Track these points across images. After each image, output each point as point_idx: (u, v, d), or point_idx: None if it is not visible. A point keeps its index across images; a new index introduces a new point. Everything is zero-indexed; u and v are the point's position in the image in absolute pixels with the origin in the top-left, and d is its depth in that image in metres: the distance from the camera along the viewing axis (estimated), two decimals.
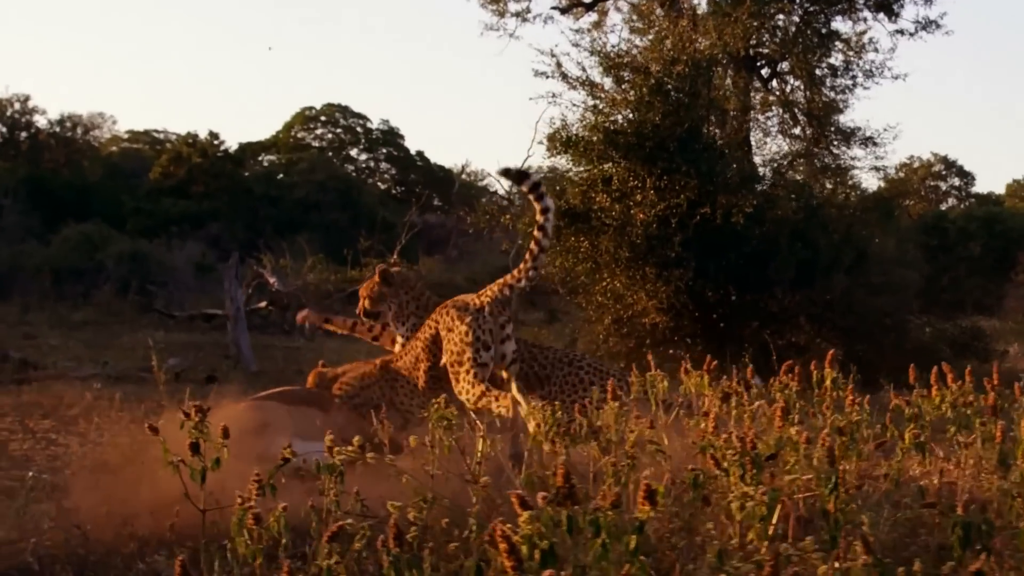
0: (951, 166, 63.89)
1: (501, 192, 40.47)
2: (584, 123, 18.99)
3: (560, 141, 19.04)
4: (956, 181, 64.75)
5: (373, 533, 4.16)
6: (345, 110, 64.88)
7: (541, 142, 20.04)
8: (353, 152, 65.34)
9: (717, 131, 20.22)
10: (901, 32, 24.83)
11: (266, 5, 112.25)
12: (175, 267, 35.35)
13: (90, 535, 5.57)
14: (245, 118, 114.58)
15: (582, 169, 19.34)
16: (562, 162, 19.95)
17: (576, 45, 20.32)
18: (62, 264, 32.99)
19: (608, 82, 19.43)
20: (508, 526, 2.96)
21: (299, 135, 63.69)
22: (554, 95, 20.13)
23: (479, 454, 5.68)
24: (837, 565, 3.48)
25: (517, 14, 27.80)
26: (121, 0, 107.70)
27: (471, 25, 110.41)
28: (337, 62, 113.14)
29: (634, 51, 21.10)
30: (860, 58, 24.22)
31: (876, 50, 23.71)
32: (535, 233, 9.03)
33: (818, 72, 24.32)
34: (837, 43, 24.43)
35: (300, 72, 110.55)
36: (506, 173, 9.53)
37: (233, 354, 18.89)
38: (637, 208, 18.23)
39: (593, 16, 27.30)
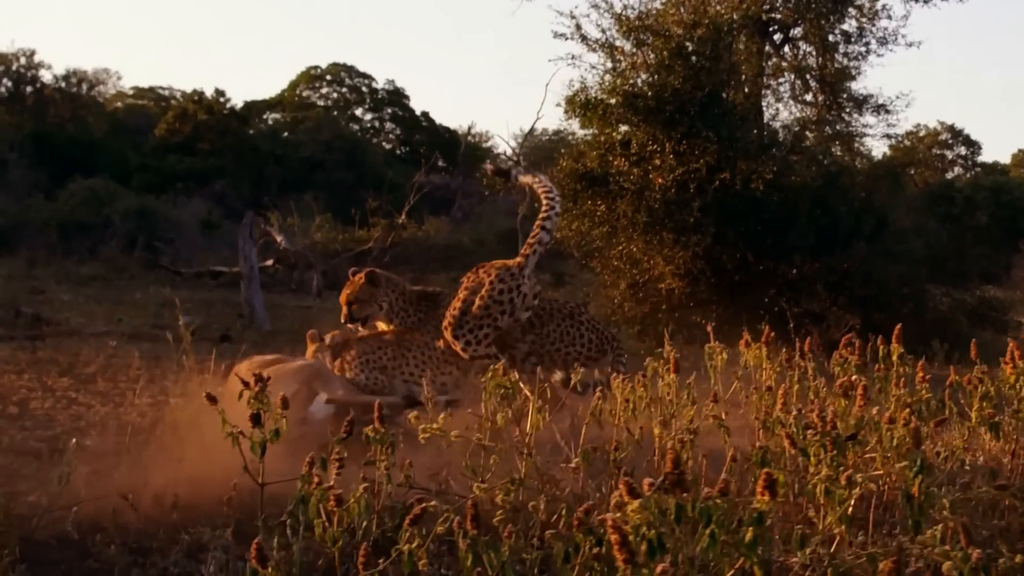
0: (957, 135, 63.50)
1: (508, 152, 40.23)
2: (603, 86, 18.81)
3: (578, 104, 18.84)
4: (962, 150, 64.27)
5: (435, 510, 3.96)
6: (351, 70, 64.56)
7: (559, 104, 19.82)
8: (358, 112, 64.93)
9: (737, 96, 19.94)
10: None
11: None
12: (182, 224, 35.15)
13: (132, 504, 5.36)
14: (250, 77, 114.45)
15: (600, 132, 19.14)
16: (578, 125, 19.80)
17: (596, 7, 19.94)
18: (69, 219, 32.72)
19: (627, 45, 19.21)
20: (617, 515, 2.76)
21: (304, 94, 63.35)
22: (573, 57, 19.94)
23: (531, 426, 5.47)
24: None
25: None
26: None
27: None
28: (343, 21, 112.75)
29: (653, 13, 20.81)
30: (873, 24, 23.83)
31: (889, 17, 23.28)
32: (534, 178, 9.89)
33: (831, 38, 23.96)
34: (851, 9, 24.05)
35: (306, 31, 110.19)
36: (498, 172, 10.76)
37: (247, 313, 18.67)
38: (656, 172, 18.05)
39: None
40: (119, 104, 59.30)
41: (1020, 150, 70.92)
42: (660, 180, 17.96)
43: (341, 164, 50.49)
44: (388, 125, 65.62)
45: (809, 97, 24.72)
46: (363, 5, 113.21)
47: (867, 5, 23.83)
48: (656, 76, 18.40)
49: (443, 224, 37.99)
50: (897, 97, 22.58)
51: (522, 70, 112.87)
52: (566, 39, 19.86)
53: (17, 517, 4.91)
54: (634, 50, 19.05)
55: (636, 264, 18.59)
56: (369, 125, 65.02)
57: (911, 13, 27.41)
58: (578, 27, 19.62)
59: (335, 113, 62.76)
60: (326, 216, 33.12)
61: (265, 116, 60.08)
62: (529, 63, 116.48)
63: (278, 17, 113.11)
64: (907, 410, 4.93)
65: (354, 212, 31.61)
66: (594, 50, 19.59)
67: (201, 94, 53.38)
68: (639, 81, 18.64)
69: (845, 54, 23.92)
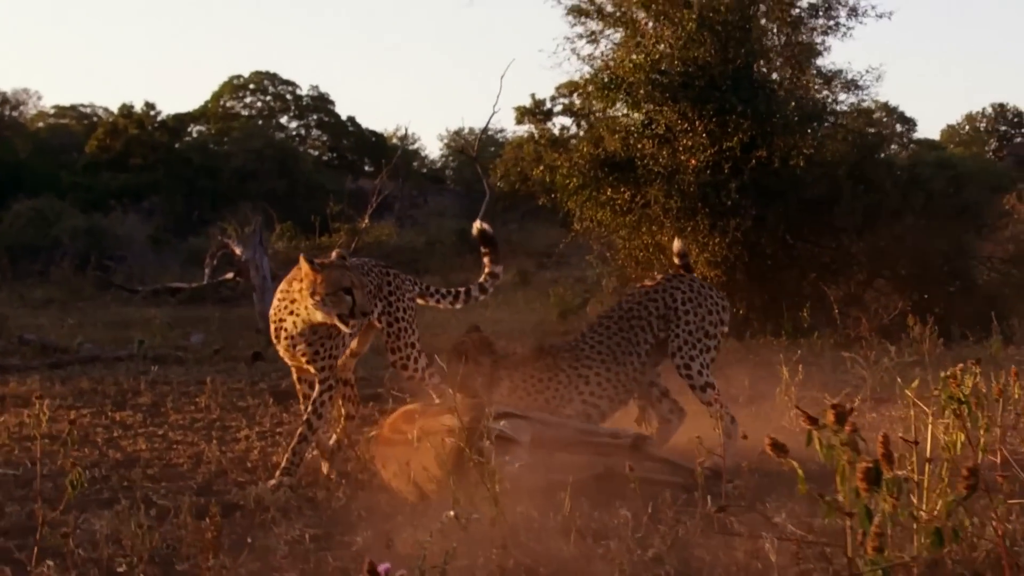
0: (892, 112, 63.22)
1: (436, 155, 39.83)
2: (624, 64, 17.60)
3: (599, 84, 17.65)
4: (897, 127, 64.04)
5: None
6: (274, 77, 63.71)
7: (585, 85, 18.62)
8: (283, 120, 63.93)
9: (771, 66, 18.83)
10: None
11: None
12: (131, 241, 33.97)
13: None
14: (170, 91, 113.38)
15: (621, 114, 17.98)
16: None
17: None
18: (16, 241, 31.32)
19: (647, 18, 18.08)
20: None
21: (228, 104, 62.13)
22: (593, 33, 18.72)
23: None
24: None
25: None
26: None
27: None
28: (264, 30, 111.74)
29: None
30: None
31: None
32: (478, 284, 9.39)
33: (795, 11, 22.86)
34: None
35: (225, 41, 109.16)
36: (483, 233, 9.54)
37: (263, 328, 17.24)
38: (687, 154, 16.87)
39: None
40: (41, 124, 58.08)
41: (949, 125, 71.35)
42: (693, 161, 16.78)
43: (273, 173, 49.36)
44: (314, 132, 64.65)
45: (775, 76, 23.68)
46: (283, 13, 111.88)
47: None
48: (682, 50, 17.21)
49: (393, 228, 37.34)
50: (866, 71, 21.18)
51: (456, 69, 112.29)
52: (582, 16, 18.58)
53: None
54: (654, 23, 17.89)
55: (665, 253, 17.37)
56: (295, 133, 64.04)
57: None
58: (591, 1, 18.40)
59: (260, 122, 61.61)
60: (287, 224, 32.10)
61: (189, 129, 58.74)
62: (466, 62, 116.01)
63: (196, 30, 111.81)
64: None
65: (314, 219, 30.57)
66: (611, 25, 18.40)
67: (131, 108, 51.99)
68: (662, 56, 17.44)
69: (813, 28, 22.83)
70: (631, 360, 8.01)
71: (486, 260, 9.39)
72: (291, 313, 7.76)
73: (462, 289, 9.33)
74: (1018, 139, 66.87)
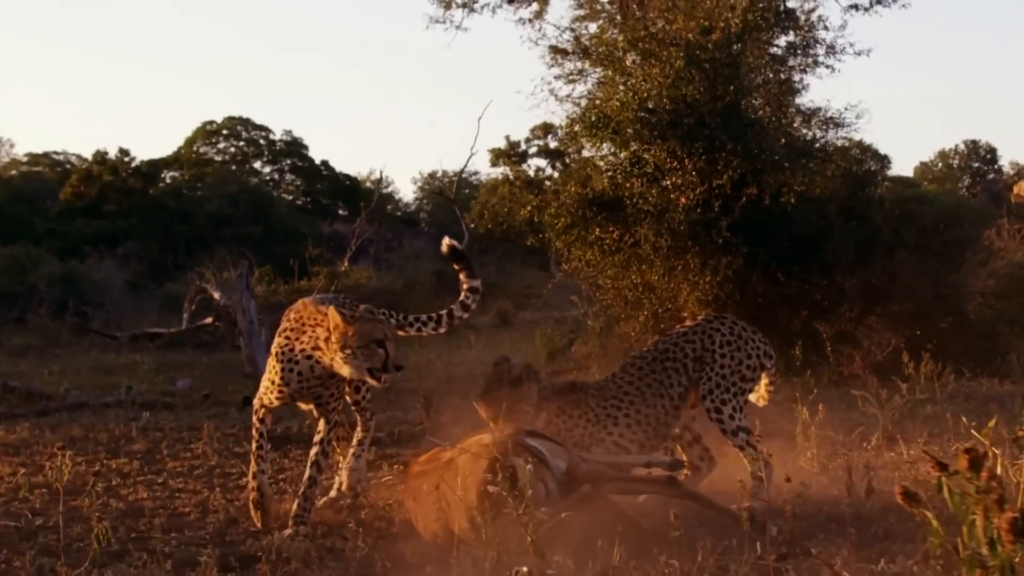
0: (866, 150, 63.12)
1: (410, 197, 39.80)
2: (611, 103, 17.43)
3: (586, 124, 17.45)
4: (872, 165, 63.97)
5: None
6: (247, 123, 63.50)
7: (567, 124, 18.44)
8: (257, 165, 63.70)
9: (759, 105, 18.67)
10: (856, 7, 23.59)
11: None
12: (108, 286, 33.75)
13: None
14: (144, 137, 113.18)
15: (608, 153, 17.78)
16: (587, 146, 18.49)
17: (581, 20, 18.65)
18: None
19: (634, 57, 17.91)
20: None
21: (201, 150, 61.94)
22: (572, 73, 18.61)
23: None
24: None
25: (463, 4, 26.39)
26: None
27: (368, 32, 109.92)
28: (237, 75, 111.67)
29: (659, 24, 19.50)
30: (812, 35, 22.66)
31: (826, 28, 21.86)
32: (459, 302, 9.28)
33: (773, 51, 22.81)
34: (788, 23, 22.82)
35: (198, 87, 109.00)
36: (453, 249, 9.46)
37: (250, 372, 16.97)
38: (677, 192, 16.68)
39: (535, 6, 25.73)
40: (14, 172, 57.98)
41: (922, 163, 71.48)
42: (683, 200, 16.58)
43: (249, 218, 49.21)
44: (288, 176, 64.43)
45: (758, 113, 23.63)
46: (255, 59, 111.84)
47: (803, 17, 22.69)
48: (670, 88, 17.03)
49: (372, 271, 37.19)
50: (846, 108, 21.02)
51: (429, 112, 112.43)
52: (565, 55, 18.48)
53: None
54: (641, 61, 17.74)
55: (655, 292, 17.14)
56: (269, 177, 63.81)
57: (847, 23, 26.04)
58: (577, 39, 18.31)
59: (233, 168, 61.41)
60: (265, 268, 31.86)
61: (163, 175, 58.54)
62: (439, 105, 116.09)
63: (169, 76, 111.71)
64: None
65: (293, 262, 30.49)
66: (595, 64, 18.28)
67: (105, 155, 51.80)
68: (650, 94, 17.27)
69: (792, 67, 22.77)
70: (661, 402, 7.79)
71: (462, 276, 9.25)
72: (308, 358, 7.48)
73: (443, 312, 9.20)
74: (991, 175, 66.89)
